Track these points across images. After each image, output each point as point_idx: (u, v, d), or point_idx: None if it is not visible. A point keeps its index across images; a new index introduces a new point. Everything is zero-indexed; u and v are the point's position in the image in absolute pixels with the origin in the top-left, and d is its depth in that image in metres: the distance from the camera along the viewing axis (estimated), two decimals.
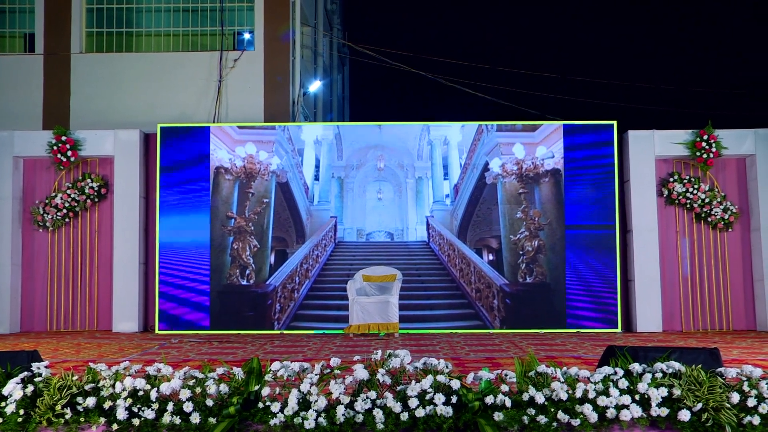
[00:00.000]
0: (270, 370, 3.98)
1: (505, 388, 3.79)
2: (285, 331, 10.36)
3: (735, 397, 3.73)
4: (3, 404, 3.88)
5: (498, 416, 3.64)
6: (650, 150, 10.62)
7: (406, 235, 10.82)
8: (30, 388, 3.92)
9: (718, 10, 22.73)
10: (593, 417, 3.65)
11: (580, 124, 10.68)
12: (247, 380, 3.92)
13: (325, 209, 10.83)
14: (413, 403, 3.69)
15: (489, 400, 3.72)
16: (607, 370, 3.95)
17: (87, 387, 3.91)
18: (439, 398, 3.70)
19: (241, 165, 10.63)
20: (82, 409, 3.83)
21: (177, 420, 3.73)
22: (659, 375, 3.87)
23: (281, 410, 3.71)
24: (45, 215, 10.64)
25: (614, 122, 10.69)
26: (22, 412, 3.83)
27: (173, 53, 12.24)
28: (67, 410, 3.83)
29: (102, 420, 3.80)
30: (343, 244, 10.81)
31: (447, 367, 4.00)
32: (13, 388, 3.91)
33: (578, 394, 3.76)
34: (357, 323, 9.58)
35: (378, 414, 3.67)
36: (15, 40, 12.41)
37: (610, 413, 3.68)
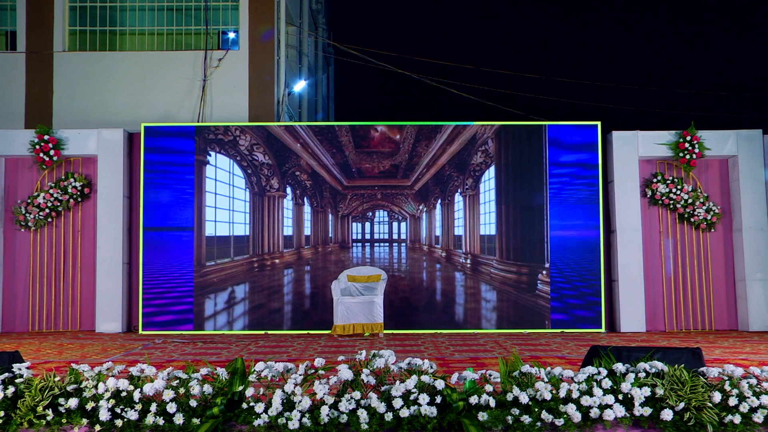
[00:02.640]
0: (254, 370, 3.97)
1: (489, 388, 3.80)
2: (270, 332, 10.34)
3: (717, 397, 3.76)
4: None
5: (482, 416, 3.65)
6: (634, 151, 10.68)
7: (391, 233, 10.81)
8: (11, 390, 3.88)
9: (703, 11, 22.92)
10: (577, 417, 3.67)
11: (565, 125, 10.73)
12: (231, 381, 3.91)
13: None
14: (398, 403, 3.69)
15: (473, 400, 3.73)
16: (590, 370, 3.97)
17: (69, 388, 3.89)
18: (424, 398, 3.70)
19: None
20: (64, 410, 3.80)
21: (160, 421, 3.71)
22: (642, 375, 3.90)
23: (265, 411, 3.71)
24: (27, 215, 10.55)
25: (598, 123, 10.74)
26: (2, 413, 3.80)
27: (157, 52, 12.18)
28: (49, 411, 3.80)
29: (84, 421, 3.77)
30: (330, 243, 10.79)
31: (431, 367, 4.01)
32: None
33: (562, 393, 3.77)
34: (341, 323, 9.57)
35: (362, 414, 3.67)
36: None
37: (594, 413, 3.70)
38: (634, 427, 3.75)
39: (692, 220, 10.65)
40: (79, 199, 10.71)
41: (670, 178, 10.71)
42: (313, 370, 3.99)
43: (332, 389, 3.84)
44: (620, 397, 3.78)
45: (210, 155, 10.69)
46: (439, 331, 10.29)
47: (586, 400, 3.72)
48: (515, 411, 3.70)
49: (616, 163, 10.67)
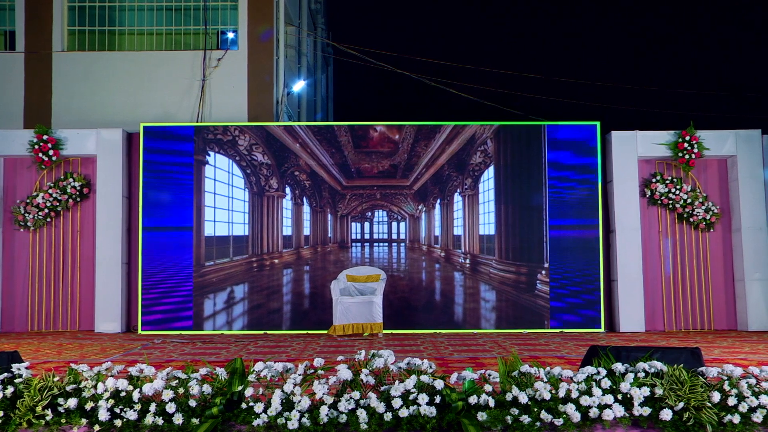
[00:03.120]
0: (253, 370, 3.97)
1: (488, 388, 3.80)
2: (269, 332, 10.34)
3: (716, 397, 3.76)
4: None
5: (481, 416, 3.65)
6: (633, 150, 10.69)
7: (390, 233, 10.81)
8: (10, 390, 3.88)
9: (702, 11, 22.92)
10: (576, 416, 3.67)
11: (564, 125, 10.73)
12: (231, 381, 3.91)
13: None
14: (397, 403, 3.69)
15: (472, 400, 3.73)
16: (590, 369, 3.97)
17: (68, 388, 3.88)
18: (423, 398, 3.70)
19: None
20: (63, 411, 3.80)
21: (159, 421, 3.71)
22: (641, 375, 3.89)
23: (264, 411, 3.70)
24: (26, 215, 10.54)
25: (597, 123, 10.75)
26: (1, 413, 3.80)
27: (156, 52, 12.17)
28: (48, 411, 3.80)
29: (83, 421, 3.77)
30: (329, 243, 10.79)
31: (430, 367, 4.00)
32: None
33: (561, 393, 3.77)
34: (341, 323, 9.57)
35: (361, 414, 3.67)
36: None
37: (593, 413, 3.70)
38: (634, 427, 3.75)
39: (691, 220, 10.65)
40: (78, 199, 10.70)
41: (669, 177, 10.71)
42: (312, 370, 3.98)
43: (331, 389, 3.84)
44: (619, 396, 3.78)
45: (209, 155, 10.68)
46: (438, 331, 10.28)
47: (585, 400, 3.72)
48: (514, 411, 3.70)
49: (615, 163, 10.67)
